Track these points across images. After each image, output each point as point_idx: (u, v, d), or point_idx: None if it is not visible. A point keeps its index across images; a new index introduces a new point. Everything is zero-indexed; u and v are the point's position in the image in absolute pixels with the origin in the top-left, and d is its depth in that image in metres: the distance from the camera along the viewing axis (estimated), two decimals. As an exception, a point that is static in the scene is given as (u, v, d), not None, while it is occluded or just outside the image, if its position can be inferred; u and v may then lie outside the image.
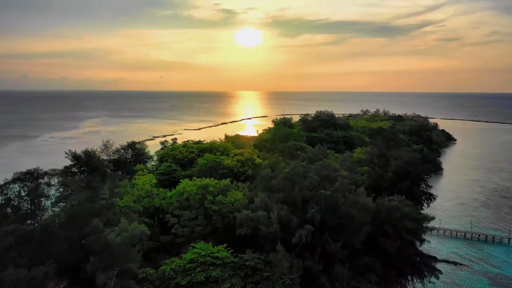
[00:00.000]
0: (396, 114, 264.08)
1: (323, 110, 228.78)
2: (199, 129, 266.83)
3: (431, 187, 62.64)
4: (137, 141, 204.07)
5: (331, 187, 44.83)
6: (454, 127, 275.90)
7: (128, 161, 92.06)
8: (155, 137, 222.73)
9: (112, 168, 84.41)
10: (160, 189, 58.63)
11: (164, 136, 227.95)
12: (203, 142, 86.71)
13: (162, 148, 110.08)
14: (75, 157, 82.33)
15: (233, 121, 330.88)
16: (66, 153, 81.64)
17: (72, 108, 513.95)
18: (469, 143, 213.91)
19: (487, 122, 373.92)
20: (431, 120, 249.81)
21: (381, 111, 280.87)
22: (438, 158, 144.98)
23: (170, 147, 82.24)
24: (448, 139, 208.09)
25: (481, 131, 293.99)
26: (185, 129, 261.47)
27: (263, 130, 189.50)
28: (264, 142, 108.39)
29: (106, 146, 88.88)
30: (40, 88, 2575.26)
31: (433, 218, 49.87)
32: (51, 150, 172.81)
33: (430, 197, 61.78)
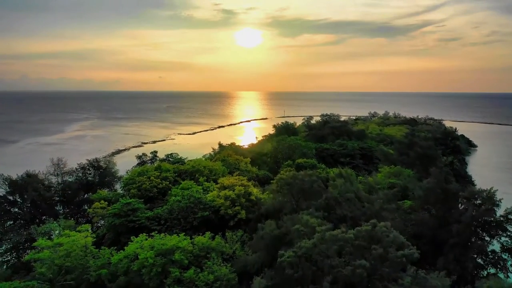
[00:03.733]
0: (408, 117, 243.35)
1: (328, 113, 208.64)
2: (194, 133, 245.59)
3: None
4: (123, 148, 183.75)
5: (390, 275, 24.10)
6: (468, 131, 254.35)
7: (90, 183, 71.45)
8: (144, 143, 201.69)
9: (60, 197, 63.70)
10: (103, 249, 37.87)
11: (154, 142, 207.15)
12: (185, 161, 65.58)
13: (138, 164, 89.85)
14: (11, 183, 61.92)
15: (231, 124, 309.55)
16: (-3, 180, 60.94)
17: (64, 109, 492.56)
18: (491, 150, 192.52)
19: (500, 124, 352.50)
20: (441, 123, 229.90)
21: (390, 113, 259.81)
22: (467, 171, 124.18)
23: (137, 169, 61.58)
24: (468, 145, 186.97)
25: (498, 135, 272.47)
26: (179, 134, 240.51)
27: (262, 136, 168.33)
28: (264, 157, 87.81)
29: (58, 165, 68.12)
30: (39, 89, 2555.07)
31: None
32: (20, 161, 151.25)
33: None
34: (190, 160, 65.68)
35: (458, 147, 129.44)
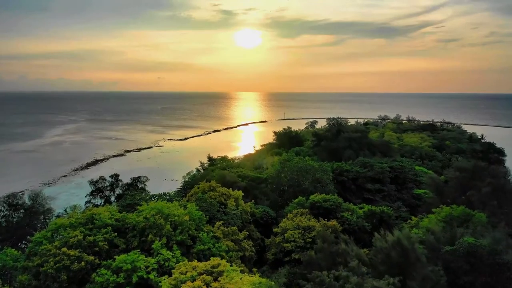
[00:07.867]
0: (422, 121, 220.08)
1: (334, 117, 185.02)
2: (185, 138, 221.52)
3: None
4: (101, 158, 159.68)
5: None
6: (487, 136, 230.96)
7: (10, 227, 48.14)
8: (127, 151, 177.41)
9: None
10: None
11: (139, 149, 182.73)
12: (140, 208, 40.44)
13: (92, 193, 66.65)
14: None
15: (227, 128, 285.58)
16: None
17: (54, 111, 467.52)
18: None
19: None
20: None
21: (402, 117, 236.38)
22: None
23: (58, 220, 37.55)
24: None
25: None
26: (169, 139, 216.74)
27: (261, 145, 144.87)
28: (262, 186, 64.21)
29: None
30: (38, 90, 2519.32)
31: None
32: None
33: None
34: (148, 204, 41.46)
35: (502, 162, 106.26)
